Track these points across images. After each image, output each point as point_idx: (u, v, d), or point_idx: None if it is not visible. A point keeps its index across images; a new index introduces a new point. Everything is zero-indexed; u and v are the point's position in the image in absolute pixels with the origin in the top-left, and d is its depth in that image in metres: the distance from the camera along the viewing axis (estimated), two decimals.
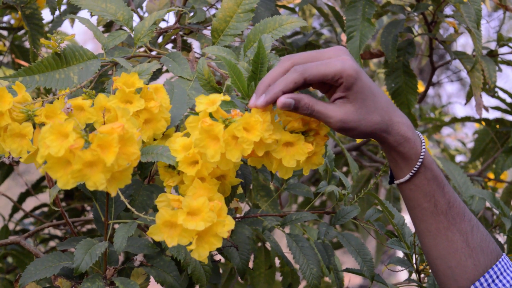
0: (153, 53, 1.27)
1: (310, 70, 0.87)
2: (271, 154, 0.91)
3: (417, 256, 1.27)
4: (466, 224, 0.96)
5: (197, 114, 0.90)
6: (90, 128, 0.98)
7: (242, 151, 0.88)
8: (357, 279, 4.96)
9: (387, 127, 0.92)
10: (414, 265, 1.28)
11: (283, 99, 0.87)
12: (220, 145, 0.87)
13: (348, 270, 1.35)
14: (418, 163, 0.93)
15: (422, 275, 1.29)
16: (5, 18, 2.18)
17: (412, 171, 0.94)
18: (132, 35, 1.22)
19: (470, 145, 3.76)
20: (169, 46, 1.70)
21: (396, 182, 0.97)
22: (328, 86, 0.94)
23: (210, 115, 0.90)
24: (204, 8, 1.55)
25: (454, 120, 2.44)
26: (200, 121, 0.88)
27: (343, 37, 2.65)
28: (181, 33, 1.47)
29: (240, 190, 1.12)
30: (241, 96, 0.96)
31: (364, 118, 0.90)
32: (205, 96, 0.91)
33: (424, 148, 0.94)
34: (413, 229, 1.29)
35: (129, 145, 0.82)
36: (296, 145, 0.91)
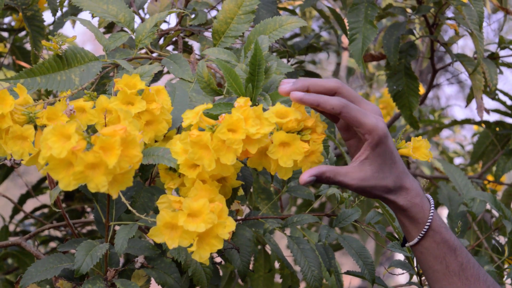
0: (154, 55, 1.27)
1: (350, 109, 0.91)
2: (268, 155, 0.91)
3: None
4: (481, 285, 0.97)
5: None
6: (91, 129, 0.97)
7: (235, 152, 0.88)
8: (355, 281, 4.96)
9: (396, 192, 0.95)
10: (415, 268, 1.28)
11: (305, 178, 0.91)
12: (211, 153, 0.88)
13: (349, 272, 1.35)
14: (426, 227, 0.95)
15: (423, 278, 1.29)
16: (6, 20, 2.17)
17: (420, 235, 0.96)
18: (134, 37, 1.22)
19: (469, 147, 3.76)
20: (170, 48, 1.69)
21: (407, 245, 0.99)
22: (351, 134, 0.98)
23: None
24: (206, 10, 1.55)
25: (454, 122, 2.43)
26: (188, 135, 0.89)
27: (344, 39, 2.65)
28: (182, 35, 1.47)
29: (241, 192, 1.11)
30: None
31: (379, 183, 0.93)
32: (190, 110, 0.92)
33: (432, 213, 0.95)
34: None
35: (131, 148, 0.82)
36: (292, 145, 0.91)
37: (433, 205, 0.96)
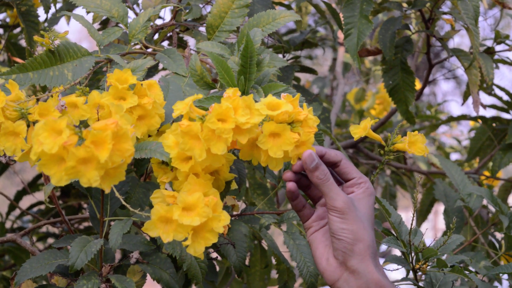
0: (149, 50, 1.27)
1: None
2: (259, 146, 0.91)
3: (413, 254, 1.26)
4: None
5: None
6: (84, 125, 0.97)
7: (225, 142, 0.87)
8: None
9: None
10: (411, 264, 1.27)
11: (308, 153, 0.93)
12: (202, 142, 0.88)
13: None
14: None
15: (419, 274, 1.29)
16: (1, 16, 2.17)
17: None
18: (127, 32, 1.21)
19: (465, 142, 3.76)
20: (165, 43, 1.69)
21: None
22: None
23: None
24: (200, 5, 1.54)
25: (451, 118, 2.43)
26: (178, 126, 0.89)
27: (340, 34, 2.65)
28: (177, 30, 1.47)
29: (234, 186, 1.11)
30: None
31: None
32: (180, 102, 0.92)
33: None
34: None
35: (123, 142, 0.81)
36: (282, 135, 0.91)
37: None
